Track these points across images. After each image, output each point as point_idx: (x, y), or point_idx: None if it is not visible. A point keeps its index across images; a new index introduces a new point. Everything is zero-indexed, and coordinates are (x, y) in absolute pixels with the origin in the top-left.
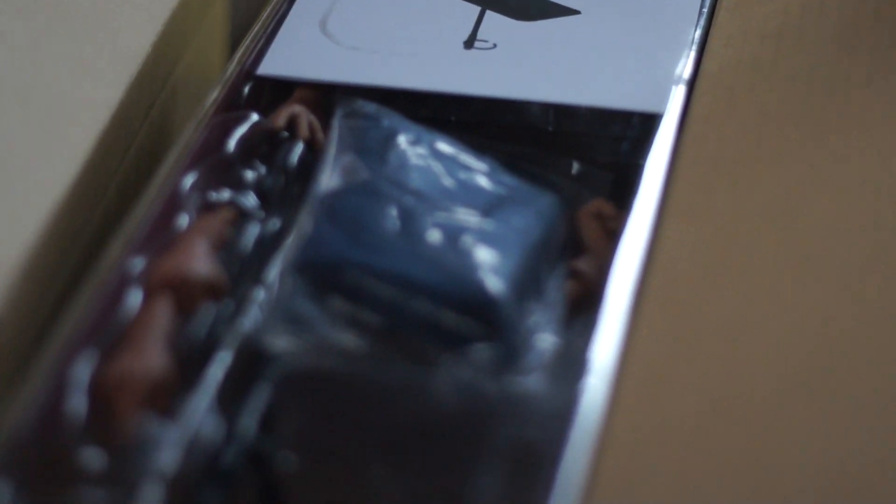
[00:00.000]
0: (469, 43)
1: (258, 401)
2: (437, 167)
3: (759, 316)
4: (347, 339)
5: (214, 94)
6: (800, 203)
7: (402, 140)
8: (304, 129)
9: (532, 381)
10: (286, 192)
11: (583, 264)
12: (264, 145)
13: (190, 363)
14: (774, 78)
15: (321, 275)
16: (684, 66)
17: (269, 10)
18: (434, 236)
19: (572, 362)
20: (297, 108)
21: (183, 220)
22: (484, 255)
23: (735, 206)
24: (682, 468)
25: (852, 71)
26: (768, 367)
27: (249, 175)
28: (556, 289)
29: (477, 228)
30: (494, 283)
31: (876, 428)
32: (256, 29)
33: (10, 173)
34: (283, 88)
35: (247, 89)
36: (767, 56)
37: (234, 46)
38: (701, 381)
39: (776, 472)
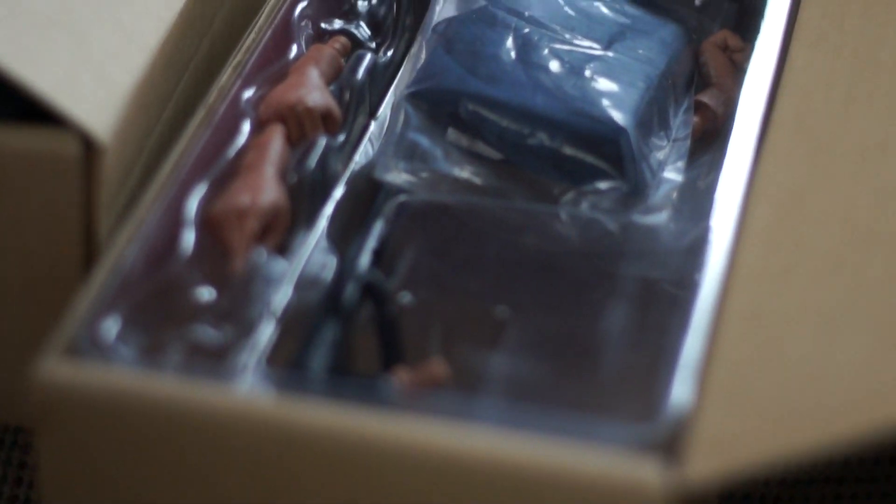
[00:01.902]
0: None
1: (373, 236)
2: None
3: (893, 145)
4: (465, 173)
5: None
6: None
7: None
8: None
9: (658, 219)
10: (399, 22)
11: (708, 98)
12: None
13: (303, 197)
14: None
15: (436, 106)
16: None
17: None
18: (555, 66)
19: (699, 200)
20: None
21: (294, 50)
22: (607, 87)
23: (868, 35)
24: (814, 302)
25: None
26: None
27: (361, 4)
28: (683, 123)
29: (599, 58)
30: (619, 116)
31: None
32: None
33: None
34: None
35: None
36: None
37: None
38: (833, 214)
39: None
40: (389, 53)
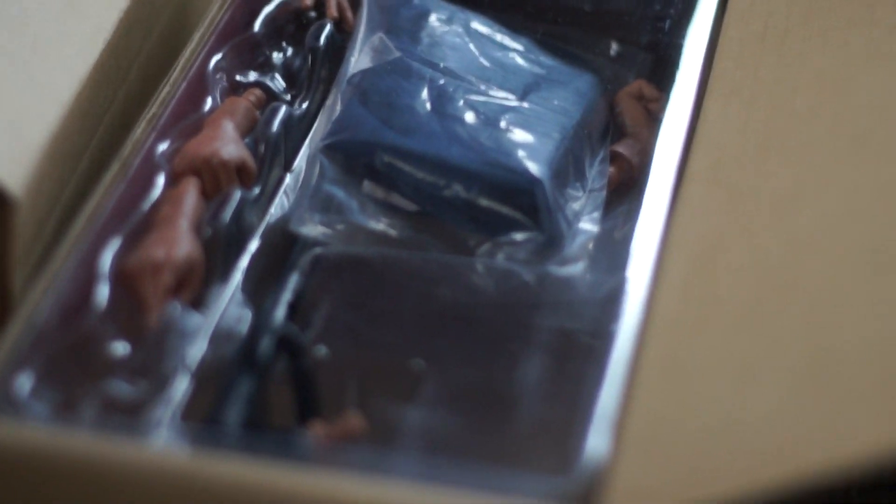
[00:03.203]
0: None
1: (288, 289)
2: (471, 46)
3: (806, 194)
4: (380, 225)
5: None
6: (850, 78)
7: (435, 18)
8: (332, 8)
9: (574, 270)
10: (314, 73)
11: (624, 148)
12: (291, 25)
13: (218, 250)
14: None
15: (352, 158)
16: None
17: None
18: (470, 117)
19: (615, 250)
20: None
21: (209, 103)
22: (522, 137)
23: (782, 83)
24: (730, 352)
25: None
26: (819, 246)
27: (276, 56)
28: (598, 173)
29: (515, 109)
30: (534, 167)
31: None
32: None
33: (32, 52)
34: None
35: None
36: None
37: None
38: (748, 263)
39: (828, 352)
40: (304, 105)
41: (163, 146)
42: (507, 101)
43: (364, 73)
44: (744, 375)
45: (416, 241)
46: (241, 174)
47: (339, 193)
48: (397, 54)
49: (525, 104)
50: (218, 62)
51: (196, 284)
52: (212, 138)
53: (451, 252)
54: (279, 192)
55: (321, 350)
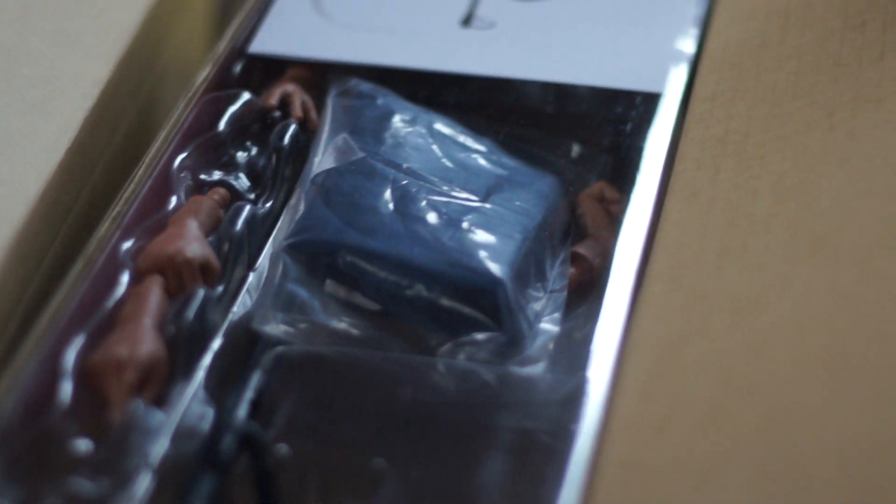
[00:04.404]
0: (466, 21)
1: (251, 387)
2: (434, 148)
3: (766, 298)
4: (343, 324)
5: (205, 73)
6: (809, 182)
7: (398, 120)
8: (297, 109)
9: (535, 370)
10: (278, 173)
11: (585, 249)
12: (256, 125)
13: (181, 348)
14: (782, 55)
15: (315, 257)
16: (687, 45)
17: None
18: (432, 218)
19: (576, 350)
20: (289, 87)
21: (173, 201)
22: (484, 238)
23: (742, 187)
24: (690, 454)
25: (863, 47)
26: (779, 350)
27: (241, 155)
28: (559, 274)
29: (477, 210)
30: (495, 268)
31: (893, 407)
32: (248, 6)
33: None
34: (275, 67)
35: (238, 68)
36: (774, 33)
37: (223, 25)
38: (708, 365)
39: (789, 456)
40: (268, 205)
41: (127, 244)
42: (469, 201)
43: (328, 172)
44: (704, 476)
45: (377, 341)
46: (204, 272)
47: (302, 292)
48: (361, 155)
49: (487, 205)
50: (183, 161)
51: (159, 382)
52: (176, 237)
53: (412, 352)
54: (242, 290)
55: (283, 448)
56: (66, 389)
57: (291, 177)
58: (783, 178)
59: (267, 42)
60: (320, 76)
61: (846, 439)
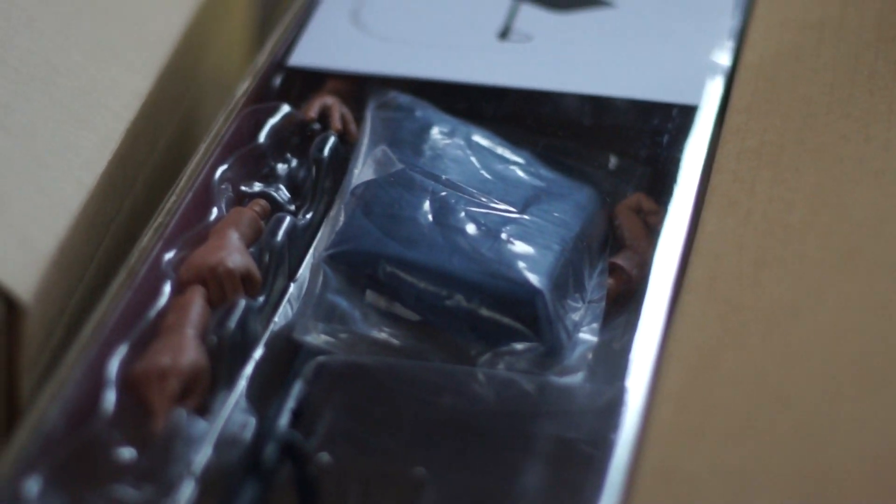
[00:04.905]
0: (503, 34)
1: (292, 396)
2: (473, 159)
3: (802, 308)
4: (383, 334)
5: (245, 85)
6: (845, 194)
7: (437, 132)
8: (336, 121)
9: (573, 380)
10: (318, 185)
11: (622, 260)
12: (296, 137)
13: (223, 358)
14: (817, 68)
15: (355, 268)
16: (722, 58)
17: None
18: (471, 229)
19: (614, 360)
20: (329, 100)
21: (214, 213)
22: (523, 249)
23: (778, 199)
24: (727, 462)
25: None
26: (814, 360)
27: (281, 167)
28: (597, 285)
29: (515, 221)
30: (534, 278)
31: None
32: (287, 19)
33: (39, 163)
34: (314, 80)
35: (278, 80)
36: (809, 46)
37: (262, 38)
38: (744, 374)
39: (823, 466)
40: (308, 216)
41: (169, 255)
42: (507, 213)
43: (367, 184)
44: (741, 484)
45: (417, 351)
46: (246, 283)
47: (343, 303)
48: (400, 166)
49: (526, 216)
50: (223, 172)
51: (202, 391)
52: (217, 248)
53: (452, 361)
54: (283, 301)
55: (324, 457)
56: (110, 398)
57: (331, 188)
58: (819, 189)
59: (306, 55)
60: (358, 89)
61: (881, 449)
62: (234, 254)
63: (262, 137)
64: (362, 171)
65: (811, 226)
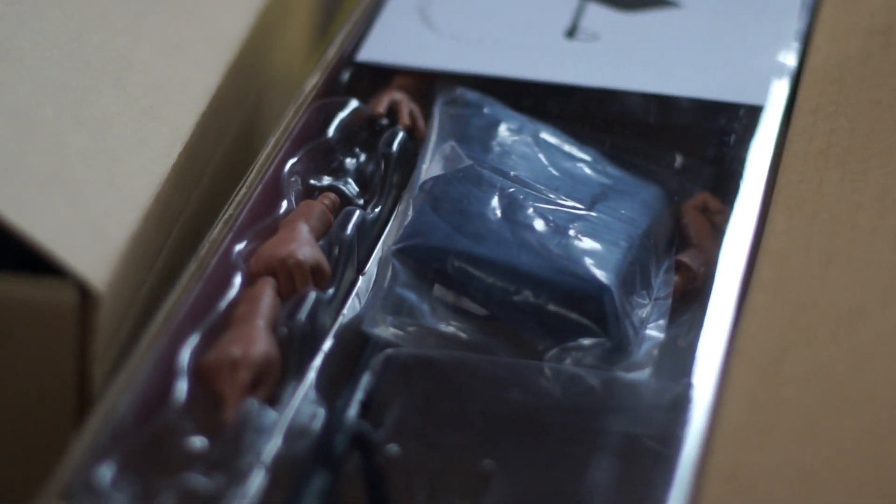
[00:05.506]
0: (571, 33)
1: (361, 388)
2: (540, 156)
3: (869, 309)
4: (451, 328)
5: (314, 80)
6: None
7: (505, 128)
8: (404, 116)
9: (640, 376)
10: (387, 179)
11: (688, 258)
12: (365, 131)
13: (292, 349)
14: (884, 72)
15: (423, 263)
16: (788, 59)
17: None
18: (539, 225)
19: (680, 357)
20: (397, 95)
21: (284, 205)
22: (590, 246)
23: (845, 200)
24: (793, 462)
25: None
26: (882, 360)
27: (349, 161)
28: (664, 282)
29: (583, 218)
30: (602, 275)
31: None
32: (356, 15)
33: (112, 156)
34: (382, 75)
35: (346, 75)
36: (876, 50)
37: (325, 37)
38: (811, 374)
39: (891, 466)
40: (377, 210)
41: (239, 247)
42: (575, 209)
43: (436, 179)
44: (807, 484)
45: (485, 345)
46: (315, 276)
47: (411, 296)
48: (468, 162)
49: (593, 213)
50: (293, 166)
51: (272, 382)
52: (287, 240)
53: (519, 356)
54: (352, 293)
55: (393, 448)
56: (181, 388)
57: (399, 183)
58: (886, 191)
59: (374, 51)
60: (426, 85)
61: None
62: (305, 246)
63: (331, 132)
64: (431, 167)
65: (879, 228)
